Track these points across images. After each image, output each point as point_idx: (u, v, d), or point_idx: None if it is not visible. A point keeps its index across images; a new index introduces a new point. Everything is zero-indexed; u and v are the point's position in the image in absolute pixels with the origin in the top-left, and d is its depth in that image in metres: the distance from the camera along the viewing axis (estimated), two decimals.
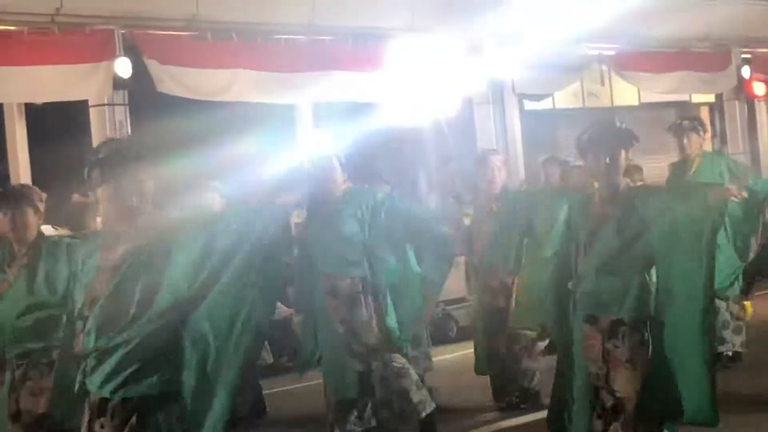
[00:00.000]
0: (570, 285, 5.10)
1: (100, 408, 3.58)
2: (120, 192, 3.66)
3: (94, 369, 3.53)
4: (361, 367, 6.21)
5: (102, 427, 3.58)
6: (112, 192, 3.73)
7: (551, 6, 11.80)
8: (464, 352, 9.00)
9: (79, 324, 3.69)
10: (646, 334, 5.00)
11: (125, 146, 3.85)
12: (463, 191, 9.75)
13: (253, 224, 3.80)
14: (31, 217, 5.35)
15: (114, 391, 3.52)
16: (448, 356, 9.16)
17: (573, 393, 5.17)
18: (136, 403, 3.57)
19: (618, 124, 5.26)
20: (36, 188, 5.78)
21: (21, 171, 9.81)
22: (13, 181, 9.41)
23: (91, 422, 3.63)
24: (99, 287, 3.64)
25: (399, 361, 6.34)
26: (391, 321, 6.50)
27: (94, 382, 3.55)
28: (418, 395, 6.29)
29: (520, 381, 7.29)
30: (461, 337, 9.85)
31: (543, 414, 5.93)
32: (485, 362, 7.48)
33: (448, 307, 10.04)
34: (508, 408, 7.39)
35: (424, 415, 6.37)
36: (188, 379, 3.68)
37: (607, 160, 5.05)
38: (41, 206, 5.41)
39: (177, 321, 3.57)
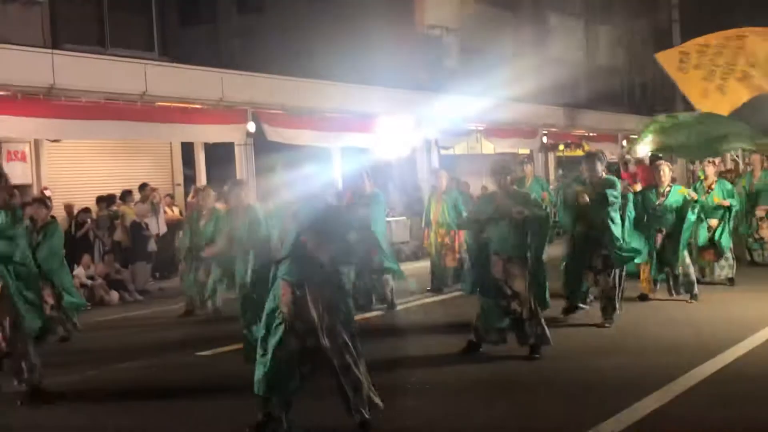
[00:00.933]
0: (485, 237, 8.01)
1: None
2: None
3: None
4: None
5: None
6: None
7: (454, 103, 20.85)
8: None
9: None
10: (525, 262, 7.76)
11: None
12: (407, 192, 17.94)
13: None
14: (44, 210, 9.37)
15: None
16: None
17: (485, 284, 7.93)
18: None
19: (502, 163, 8.43)
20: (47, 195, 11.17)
21: (201, 177, 17.80)
22: (198, 183, 17.19)
23: None
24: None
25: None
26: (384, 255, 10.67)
27: None
28: None
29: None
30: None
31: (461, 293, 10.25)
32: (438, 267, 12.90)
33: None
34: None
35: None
36: None
37: (504, 178, 8.00)
38: (49, 204, 9.33)
39: None
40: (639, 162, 11.23)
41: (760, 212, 13.09)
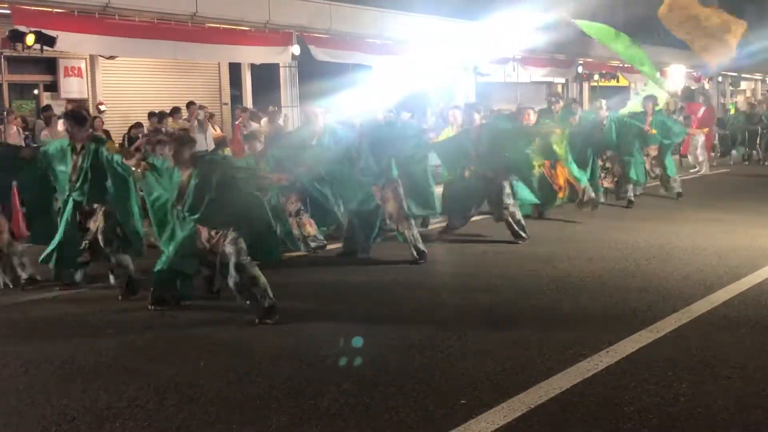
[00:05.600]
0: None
1: None
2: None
3: None
4: None
5: None
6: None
7: (492, 30, 21.35)
8: None
9: None
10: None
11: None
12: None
13: None
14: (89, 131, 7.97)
15: None
16: None
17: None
18: None
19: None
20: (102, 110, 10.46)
21: (248, 98, 18.50)
22: (244, 103, 17.93)
23: None
24: None
25: None
26: None
27: None
28: None
29: None
30: None
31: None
32: None
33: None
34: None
35: None
36: None
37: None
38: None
39: None
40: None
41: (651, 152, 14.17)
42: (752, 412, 4.49)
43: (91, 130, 8.25)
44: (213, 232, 6.81)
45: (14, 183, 8.50)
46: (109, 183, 7.71)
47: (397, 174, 9.19)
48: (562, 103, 13.72)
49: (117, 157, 7.67)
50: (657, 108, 14.31)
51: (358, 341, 5.92)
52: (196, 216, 6.74)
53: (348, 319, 6.75)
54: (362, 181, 8.98)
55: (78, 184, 7.74)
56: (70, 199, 7.84)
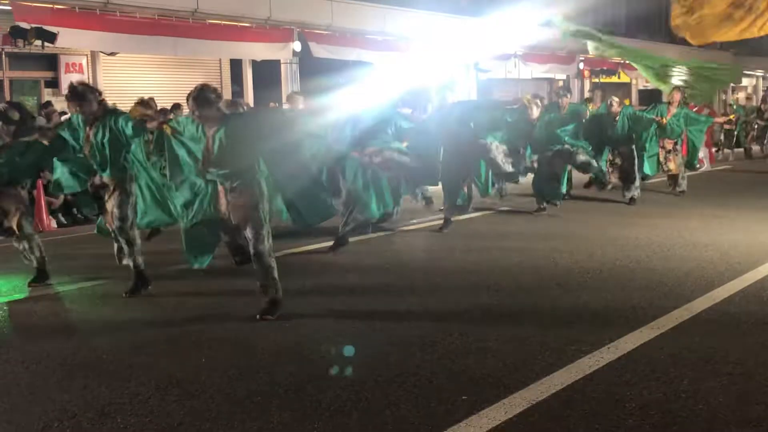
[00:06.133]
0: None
1: None
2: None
3: None
4: None
5: None
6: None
7: (493, 27, 21.29)
8: None
9: None
10: None
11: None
12: None
13: None
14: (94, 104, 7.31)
15: None
16: None
17: None
18: None
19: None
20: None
21: (249, 95, 18.73)
22: (246, 99, 18.16)
23: None
24: None
25: None
26: None
27: None
28: None
29: None
30: None
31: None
32: None
33: None
34: None
35: None
36: None
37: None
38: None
39: None
40: None
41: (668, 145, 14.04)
42: (753, 408, 4.49)
43: (100, 103, 7.59)
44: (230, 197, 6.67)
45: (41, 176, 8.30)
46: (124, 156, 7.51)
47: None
48: (569, 97, 13.74)
49: (129, 129, 7.30)
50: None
51: (359, 338, 5.93)
52: (223, 171, 6.60)
53: (349, 316, 6.74)
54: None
55: (91, 158, 7.53)
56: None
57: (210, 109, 6.52)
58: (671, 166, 14.08)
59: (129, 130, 7.30)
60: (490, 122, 10.61)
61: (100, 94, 7.51)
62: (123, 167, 7.53)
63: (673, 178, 14.32)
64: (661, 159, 13.98)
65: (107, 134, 7.35)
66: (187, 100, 6.59)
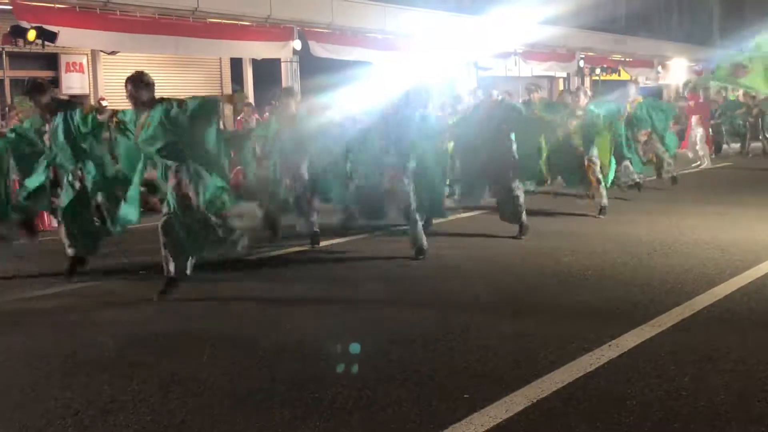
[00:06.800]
0: None
1: None
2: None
3: None
4: None
5: None
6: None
7: (494, 25, 21.36)
8: None
9: None
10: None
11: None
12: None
13: None
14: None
15: None
16: None
17: None
18: None
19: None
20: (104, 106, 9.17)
21: (249, 93, 18.75)
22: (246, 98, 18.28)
23: None
24: None
25: None
26: None
27: None
28: None
29: None
30: None
31: None
32: None
33: None
34: None
35: None
36: None
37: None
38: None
39: None
40: None
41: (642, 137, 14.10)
42: (755, 405, 4.49)
43: (52, 97, 8.19)
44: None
45: None
46: (84, 146, 7.93)
47: (414, 167, 8.90)
48: (540, 93, 14.24)
49: (79, 121, 7.83)
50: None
51: (360, 336, 5.92)
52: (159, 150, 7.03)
53: (350, 314, 6.75)
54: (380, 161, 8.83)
55: (50, 150, 7.99)
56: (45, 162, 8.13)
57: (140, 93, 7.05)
58: (650, 156, 14.15)
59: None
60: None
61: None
62: (77, 155, 7.92)
63: (658, 167, 14.36)
64: (641, 153, 13.92)
65: (60, 125, 7.86)
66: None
